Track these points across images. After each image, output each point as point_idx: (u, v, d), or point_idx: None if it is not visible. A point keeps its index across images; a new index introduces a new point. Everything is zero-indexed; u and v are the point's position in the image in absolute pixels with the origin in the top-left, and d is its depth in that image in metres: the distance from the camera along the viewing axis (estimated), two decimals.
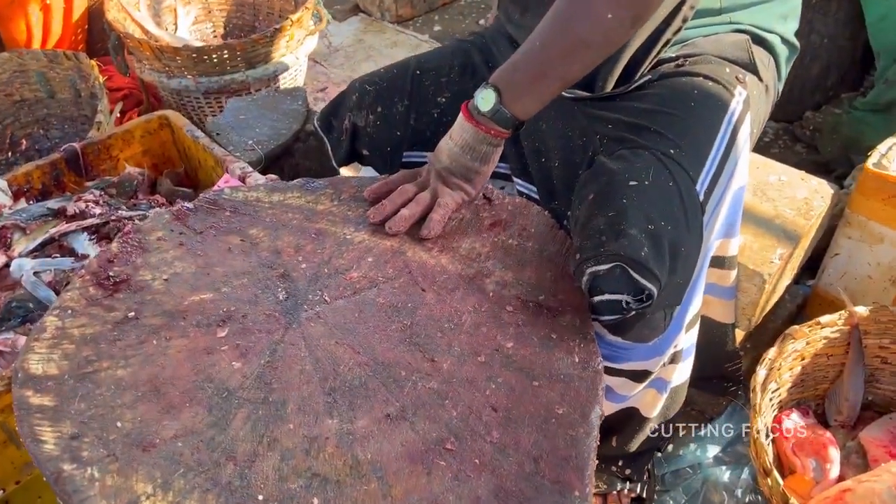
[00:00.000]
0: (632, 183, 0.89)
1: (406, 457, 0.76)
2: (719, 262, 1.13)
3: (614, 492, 1.24)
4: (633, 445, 1.19)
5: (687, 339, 1.07)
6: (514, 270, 0.96)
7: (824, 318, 1.23)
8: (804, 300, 1.54)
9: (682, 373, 1.12)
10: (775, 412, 1.27)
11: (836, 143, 1.91)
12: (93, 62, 1.81)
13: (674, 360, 1.07)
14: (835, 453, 1.21)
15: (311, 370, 0.84)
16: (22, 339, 1.14)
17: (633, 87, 1.02)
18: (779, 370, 1.23)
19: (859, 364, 1.26)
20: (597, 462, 1.25)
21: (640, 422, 1.15)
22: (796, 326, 1.21)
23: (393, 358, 0.85)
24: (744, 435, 1.37)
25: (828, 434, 1.24)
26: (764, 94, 1.09)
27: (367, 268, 0.97)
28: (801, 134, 2.02)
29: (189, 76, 1.84)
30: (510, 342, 0.87)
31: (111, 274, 0.96)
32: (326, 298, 0.93)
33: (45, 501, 1.20)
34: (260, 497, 0.73)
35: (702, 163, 0.95)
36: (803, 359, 1.26)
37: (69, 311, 0.91)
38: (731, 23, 1.05)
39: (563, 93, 1.05)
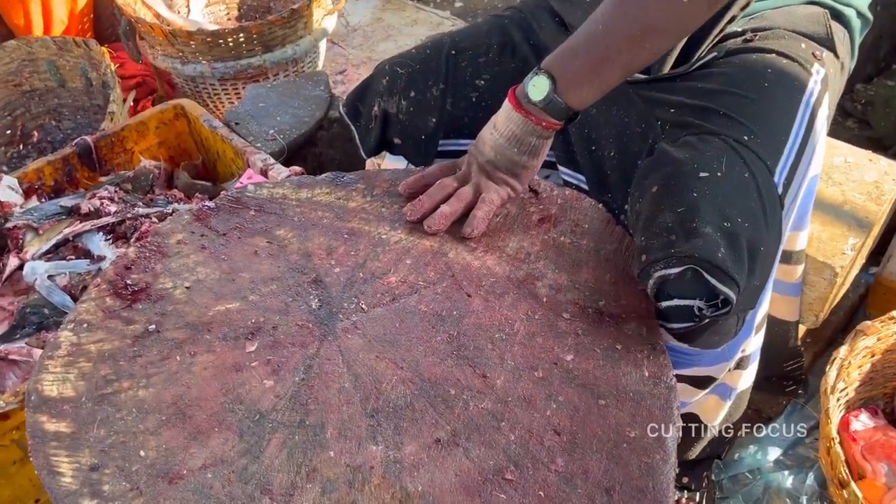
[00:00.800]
0: (702, 174, 0.79)
1: (461, 489, 0.68)
2: (786, 257, 1.03)
3: (671, 502, 1.16)
4: (693, 453, 1.10)
5: (755, 343, 0.98)
6: (569, 272, 0.87)
7: None
8: (866, 290, 1.44)
9: (747, 378, 1.03)
10: (842, 413, 1.18)
11: (890, 117, 1.79)
12: (104, 49, 1.73)
13: (740, 365, 0.98)
14: None
15: (351, 388, 0.76)
16: (36, 350, 1.07)
17: (696, 65, 0.92)
18: (848, 368, 1.13)
19: None
20: None
21: (700, 429, 1.06)
22: (868, 322, 1.11)
23: (440, 374, 0.77)
24: (806, 436, 1.28)
25: None
26: (839, 73, 0.98)
27: (406, 271, 0.89)
28: (851, 108, 1.90)
29: (204, 61, 1.75)
30: (570, 354, 0.78)
31: (129, 282, 0.89)
32: (363, 306, 0.85)
33: None
34: None
35: (780, 150, 0.84)
36: (873, 355, 1.17)
37: (85, 325, 0.84)
38: None
39: None
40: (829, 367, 1.08)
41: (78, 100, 1.89)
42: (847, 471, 0.98)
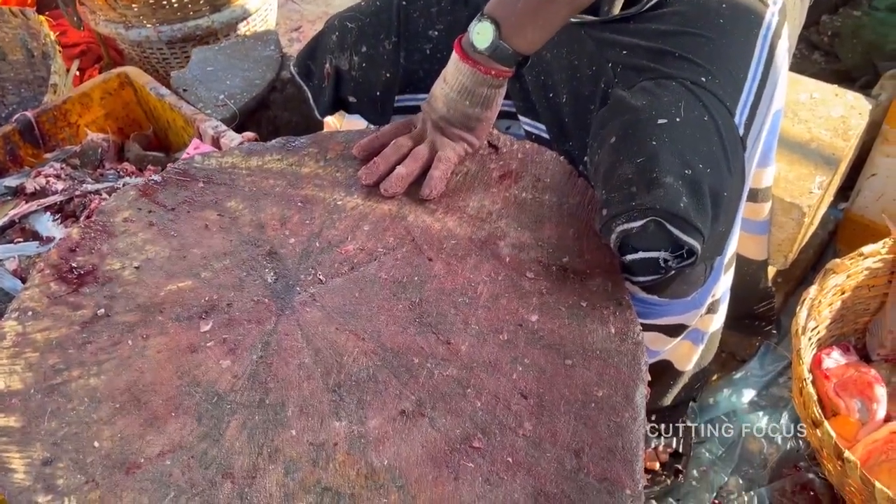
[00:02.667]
0: (661, 121, 0.76)
1: (428, 460, 0.66)
2: (752, 195, 1.01)
3: (650, 449, 1.16)
4: (668, 399, 1.10)
5: (724, 284, 0.97)
6: (532, 229, 0.84)
7: (867, 248, 1.12)
8: (835, 226, 1.43)
9: (718, 320, 1.02)
10: (814, 351, 1.18)
11: (858, 48, 1.76)
12: (42, 17, 1.64)
13: (711, 309, 0.97)
14: (881, 391, 1.13)
15: (311, 364, 0.74)
16: None
17: (648, 5, 0.88)
18: (818, 307, 1.13)
19: None
20: None
21: (674, 375, 1.06)
22: (837, 260, 1.10)
23: (403, 343, 0.75)
24: (779, 376, 1.28)
25: (872, 371, 1.16)
26: (799, 1, 0.94)
27: (364, 238, 0.85)
28: (818, 41, 1.87)
29: (149, 25, 1.67)
30: (535, 314, 0.76)
31: (74, 265, 0.84)
32: (321, 277, 0.82)
33: None
34: None
35: (739, 90, 0.81)
36: (843, 293, 1.16)
37: (30, 313, 0.80)
38: None
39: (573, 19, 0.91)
40: (799, 307, 1.07)
41: (20, 73, 1.80)
42: (820, 411, 0.98)
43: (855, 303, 1.19)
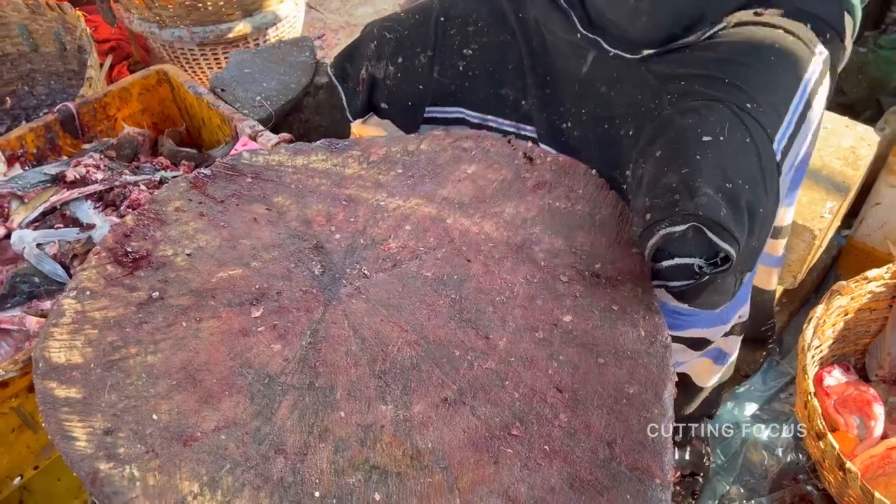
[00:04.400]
0: (705, 138, 0.82)
1: (470, 445, 0.71)
2: (774, 232, 1.06)
3: (670, 454, 1.20)
4: (686, 411, 1.14)
5: (748, 308, 1.02)
6: (565, 237, 0.90)
7: (871, 273, 1.18)
8: (838, 251, 1.49)
9: (739, 343, 1.07)
10: (816, 368, 1.24)
11: (862, 83, 1.83)
12: (78, 12, 1.69)
13: (735, 331, 1.02)
14: (879, 410, 1.18)
15: (358, 351, 0.78)
16: (29, 318, 1.07)
17: (706, 35, 0.93)
18: (822, 326, 1.18)
19: None
20: None
21: (692, 389, 1.10)
22: (843, 283, 1.16)
23: (444, 336, 0.80)
24: (781, 391, 1.34)
25: (871, 390, 1.21)
26: (841, 56, 1.00)
27: (406, 237, 0.90)
28: None
29: (182, 26, 1.72)
30: (569, 315, 0.81)
31: (129, 249, 0.89)
32: (366, 272, 0.86)
33: (64, 484, 1.15)
34: (316, 494, 0.68)
35: (780, 119, 0.87)
36: (847, 314, 1.22)
37: (87, 293, 0.84)
38: None
39: (628, 54, 0.96)
40: (806, 325, 1.13)
41: (52, 65, 1.84)
42: (823, 422, 1.03)
43: (857, 324, 1.25)
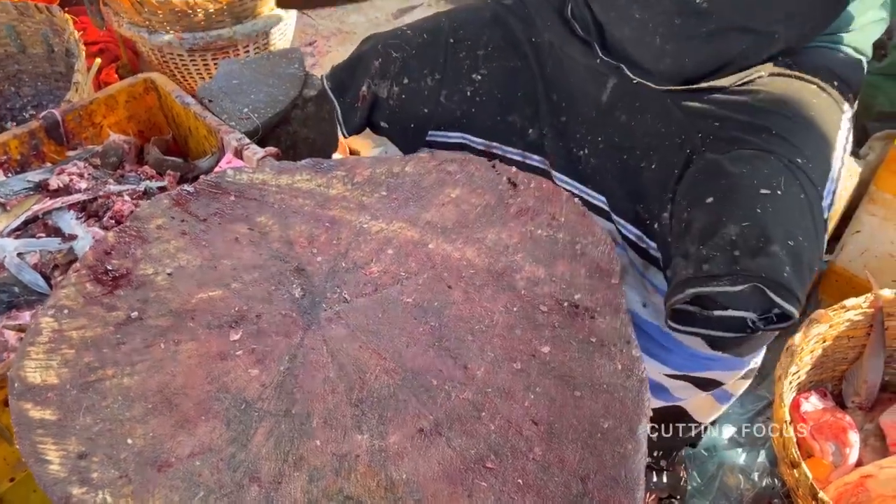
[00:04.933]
0: (763, 191, 0.79)
1: (444, 477, 0.71)
2: None
3: (642, 490, 1.20)
4: (676, 442, 1.14)
5: (762, 354, 1.02)
6: (546, 265, 0.90)
7: (849, 302, 1.19)
8: (819, 277, 1.50)
9: (744, 388, 1.07)
10: (794, 394, 1.25)
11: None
12: (67, 15, 1.68)
13: (748, 376, 1.02)
14: (854, 437, 1.20)
15: (336, 378, 0.79)
16: (8, 333, 1.06)
17: (741, 81, 0.92)
18: (800, 353, 1.20)
19: (880, 346, 1.24)
20: None
21: (688, 422, 1.10)
22: (822, 311, 1.17)
23: (423, 364, 0.80)
24: (758, 416, 1.35)
25: (847, 417, 1.22)
26: (852, 116, 1.01)
27: (388, 261, 0.90)
28: None
29: (172, 32, 1.71)
30: (547, 346, 0.82)
31: (109, 268, 0.89)
32: (346, 296, 0.87)
33: (39, 495, 1.15)
34: None
35: (826, 175, 0.86)
36: (825, 341, 1.23)
37: (66, 311, 0.84)
38: (835, 42, 0.96)
39: (654, 84, 0.95)
40: (783, 353, 1.14)
41: (39, 66, 1.83)
42: (797, 452, 1.04)
43: (835, 351, 1.26)
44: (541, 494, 0.69)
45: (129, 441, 0.73)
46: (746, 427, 1.31)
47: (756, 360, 1.00)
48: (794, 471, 1.04)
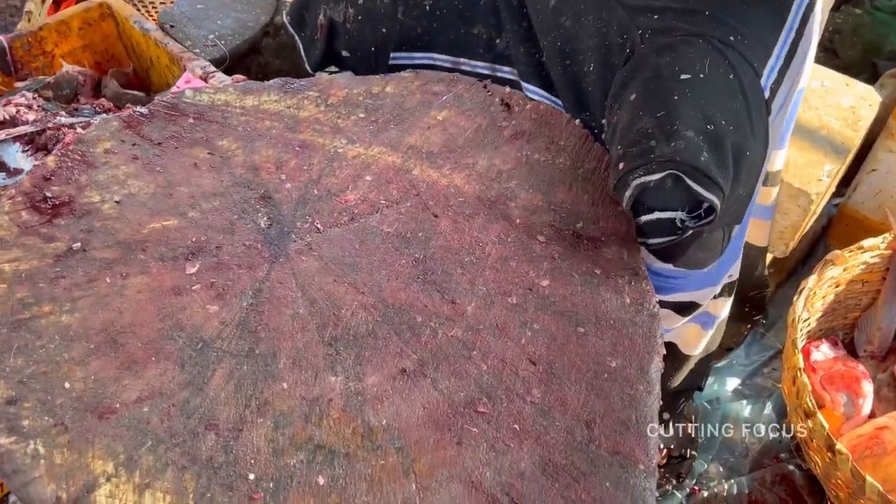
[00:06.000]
0: (683, 76, 0.73)
1: (429, 422, 0.62)
2: (766, 178, 0.98)
3: (656, 436, 1.12)
4: (673, 383, 1.07)
5: (738, 267, 0.94)
6: (544, 192, 0.80)
7: (867, 242, 1.11)
8: (828, 220, 1.42)
9: (728, 306, 1.00)
10: (803, 342, 1.17)
11: (857, 46, 1.76)
12: None
13: (725, 292, 0.94)
14: (868, 387, 1.13)
15: (307, 315, 0.69)
16: None
17: None
18: (812, 299, 1.12)
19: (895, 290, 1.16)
20: None
21: (679, 359, 1.03)
22: (838, 252, 1.09)
23: (405, 299, 0.70)
24: (764, 366, 1.27)
25: (860, 367, 1.15)
26: None
27: (366, 189, 0.80)
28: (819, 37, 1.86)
29: None
30: (546, 279, 0.72)
31: (49, 195, 0.78)
32: (318, 226, 0.77)
33: None
34: (251, 476, 0.59)
35: (768, 53, 0.78)
36: (838, 286, 1.15)
37: None
38: None
39: None
40: (797, 297, 1.06)
41: None
42: (812, 401, 0.97)
43: (847, 297, 1.19)
44: (540, 441, 0.61)
45: (67, 385, 0.63)
46: (751, 379, 1.23)
47: (730, 274, 0.92)
48: (809, 421, 0.96)
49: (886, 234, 1.12)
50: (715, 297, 0.93)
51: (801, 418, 0.99)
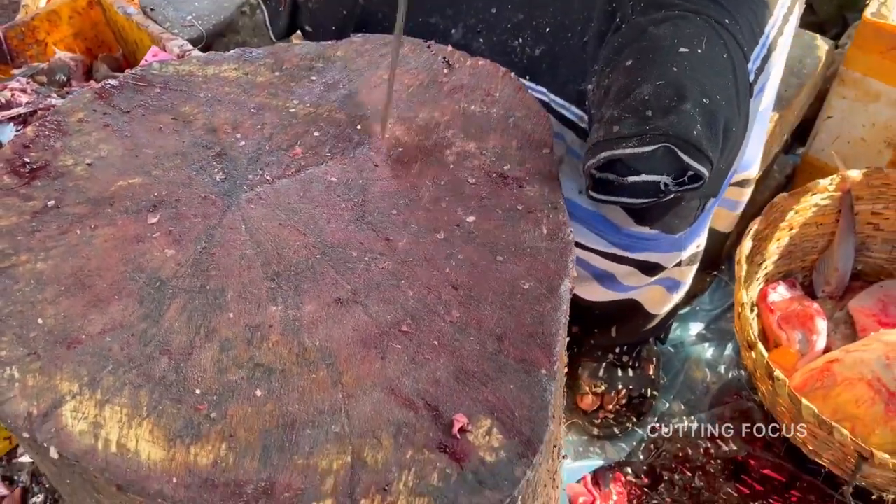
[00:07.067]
0: (682, 49, 0.76)
1: (358, 342, 0.69)
2: (742, 183, 1.04)
3: (613, 391, 1.18)
4: (635, 337, 1.12)
5: (705, 238, 0.99)
6: (477, 139, 0.86)
7: (813, 184, 1.15)
8: (793, 170, 1.45)
9: (693, 273, 1.04)
10: (761, 286, 1.22)
11: (833, 2, 1.77)
12: None
13: (692, 261, 0.99)
14: (822, 324, 1.17)
15: (253, 255, 0.76)
16: None
17: None
18: (766, 241, 1.16)
19: (850, 231, 1.20)
20: (596, 351, 1.20)
21: (644, 317, 1.07)
22: (784, 194, 1.13)
23: (343, 238, 0.77)
24: (728, 311, 1.32)
25: (815, 305, 1.19)
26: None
27: (314, 142, 0.87)
28: None
29: None
30: (472, 216, 0.78)
31: (27, 160, 0.86)
32: (268, 177, 0.84)
33: None
34: (197, 391, 0.66)
35: (755, 40, 0.82)
36: (791, 229, 1.19)
37: None
38: None
39: None
40: (744, 237, 1.10)
41: None
42: (755, 333, 1.01)
43: (803, 240, 1.23)
44: (455, 354, 0.67)
45: (40, 321, 0.71)
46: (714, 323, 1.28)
47: (698, 244, 0.96)
48: (752, 352, 1.01)
49: (834, 176, 1.15)
50: (680, 265, 0.97)
51: (745, 350, 1.04)
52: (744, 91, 0.80)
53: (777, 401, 1.00)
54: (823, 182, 1.14)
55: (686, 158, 0.73)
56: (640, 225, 0.87)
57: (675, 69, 0.75)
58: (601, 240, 0.94)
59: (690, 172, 0.74)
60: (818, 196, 1.15)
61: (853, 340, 1.17)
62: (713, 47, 0.77)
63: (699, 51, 0.76)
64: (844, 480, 0.98)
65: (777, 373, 0.96)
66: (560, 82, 0.97)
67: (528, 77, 1.01)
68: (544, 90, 0.99)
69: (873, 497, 1.06)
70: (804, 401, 0.94)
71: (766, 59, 0.85)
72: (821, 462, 1.01)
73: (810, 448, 1.00)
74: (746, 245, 1.09)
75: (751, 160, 1.03)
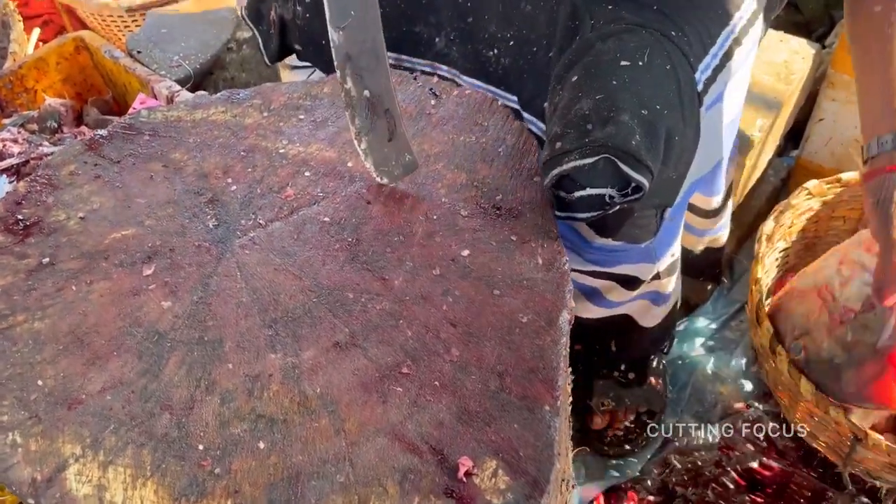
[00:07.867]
0: (623, 63, 0.77)
1: (359, 386, 0.69)
2: (704, 213, 1.04)
3: (622, 409, 1.17)
4: (636, 351, 1.12)
5: (678, 247, 0.99)
6: (468, 171, 0.86)
7: (809, 184, 1.13)
8: (788, 173, 1.45)
9: (675, 282, 1.04)
10: (780, 275, 1.20)
11: (819, 1, 1.77)
12: None
13: (670, 271, 0.99)
14: None
15: (249, 302, 0.76)
16: None
17: None
18: (777, 239, 1.14)
19: None
20: (602, 370, 1.19)
21: (637, 330, 1.07)
22: (786, 201, 1.12)
23: (339, 280, 0.77)
24: (732, 320, 1.31)
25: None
26: (777, 4, 0.95)
27: (305, 183, 0.87)
28: None
29: None
30: (466, 250, 0.78)
31: (20, 217, 0.86)
32: (261, 221, 0.84)
33: None
34: (200, 447, 0.66)
35: (704, 51, 0.83)
36: (817, 221, 1.17)
37: None
38: None
39: None
40: (757, 242, 1.08)
41: None
42: (764, 305, 1.00)
43: (828, 231, 1.20)
44: (457, 394, 0.67)
45: (40, 382, 0.71)
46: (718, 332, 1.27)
47: (671, 253, 0.96)
48: (760, 328, 0.99)
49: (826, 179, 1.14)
50: (660, 277, 0.97)
51: (753, 326, 1.02)
52: (689, 100, 0.81)
53: (780, 379, 0.97)
54: (849, 175, 1.11)
55: (626, 169, 0.74)
56: (602, 237, 0.87)
57: (614, 82, 0.76)
58: (577, 256, 0.95)
59: (633, 183, 0.75)
60: (816, 200, 1.14)
61: None
62: (655, 59, 0.78)
63: (640, 63, 0.77)
64: (852, 475, 0.97)
65: (779, 348, 0.95)
66: (526, 98, 0.98)
67: (502, 87, 1.01)
68: (516, 100, 0.99)
69: (879, 496, 1.05)
70: (803, 380, 0.92)
71: (718, 68, 0.86)
72: (818, 447, 1.00)
73: (809, 431, 0.98)
74: (769, 224, 1.07)
75: (718, 186, 1.02)
